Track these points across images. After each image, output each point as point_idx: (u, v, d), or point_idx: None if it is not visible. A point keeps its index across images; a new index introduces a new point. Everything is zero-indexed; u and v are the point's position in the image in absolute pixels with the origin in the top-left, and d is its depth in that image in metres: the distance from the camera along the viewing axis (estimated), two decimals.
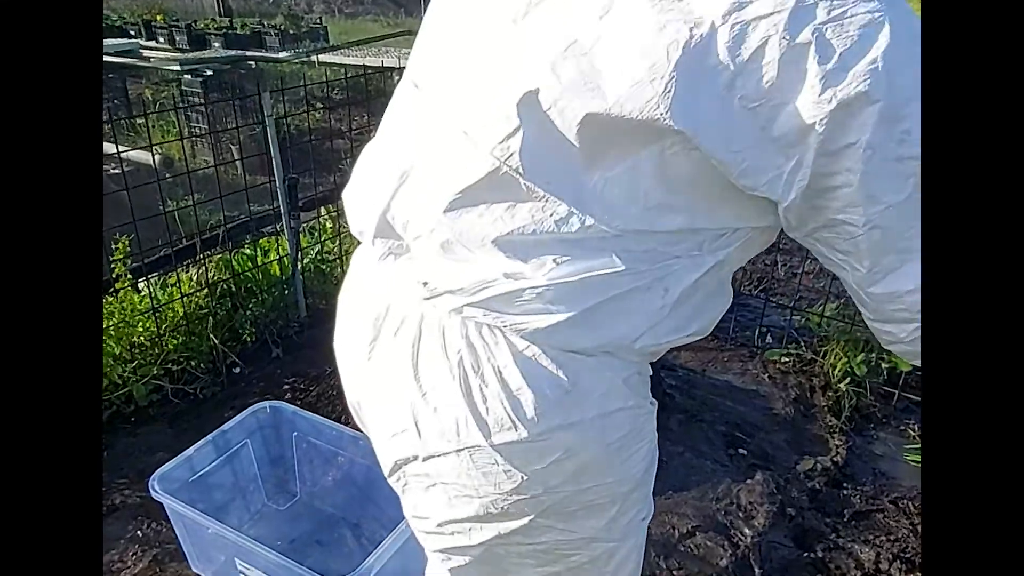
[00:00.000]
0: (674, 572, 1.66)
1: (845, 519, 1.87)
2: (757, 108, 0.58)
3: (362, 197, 0.79)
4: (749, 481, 1.94)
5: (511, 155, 0.64)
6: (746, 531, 1.79)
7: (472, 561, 0.83)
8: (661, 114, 0.59)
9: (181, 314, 2.28)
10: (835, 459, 2.06)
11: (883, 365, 2.34)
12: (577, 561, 0.80)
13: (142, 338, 2.18)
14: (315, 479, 1.80)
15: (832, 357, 2.38)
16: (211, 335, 2.30)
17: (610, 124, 0.61)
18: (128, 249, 2.21)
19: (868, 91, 0.56)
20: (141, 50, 6.87)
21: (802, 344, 2.50)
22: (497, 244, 0.67)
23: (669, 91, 0.59)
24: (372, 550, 1.36)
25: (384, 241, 0.76)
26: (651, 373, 0.80)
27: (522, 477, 0.71)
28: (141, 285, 2.30)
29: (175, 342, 2.25)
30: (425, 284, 0.71)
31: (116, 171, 2.72)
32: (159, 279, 2.38)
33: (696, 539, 1.76)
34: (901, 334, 0.68)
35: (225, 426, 1.68)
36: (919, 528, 1.85)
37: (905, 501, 1.94)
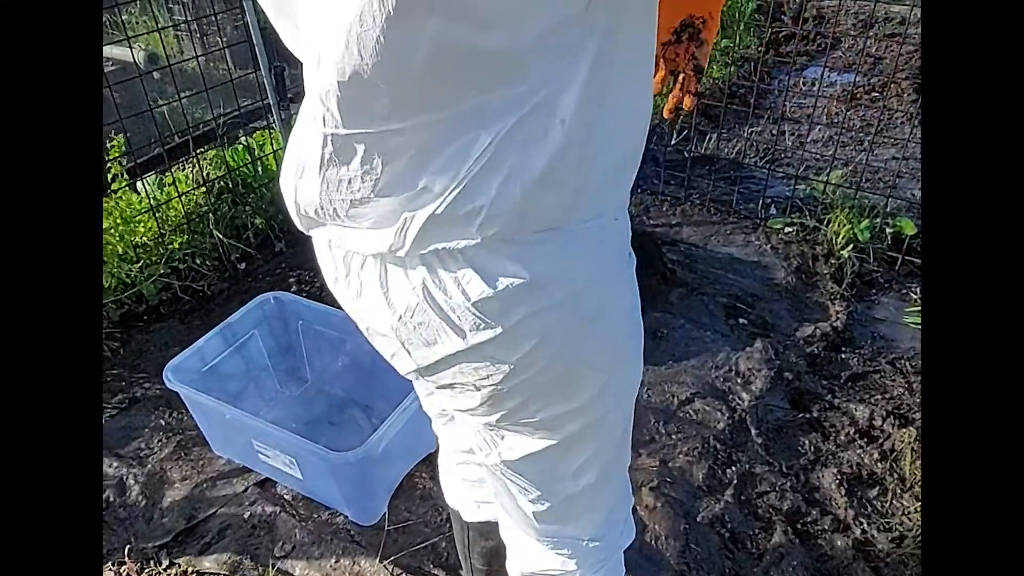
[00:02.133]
0: (672, 436, 1.73)
1: (842, 381, 1.91)
2: None
3: (284, 184, 0.78)
4: (748, 349, 1.98)
5: (330, 115, 0.62)
6: (743, 396, 1.85)
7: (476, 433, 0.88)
8: None
9: (182, 213, 2.29)
10: (835, 324, 2.09)
11: (888, 230, 2.33)
12: (572, 430, 0.83)
13: (144, 238, 2.20)
14: (324, 365, 1.86)
15: (836, 224, 2.36)
16: (213, 232, 2.31)
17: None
18: (123, 148, 2.19)
19: None
20: None
21: (806, 213, 2.48)
22: (381, 194, 0.65)
23: None
24: None
25: (307, 222, 0.75)
26: (626, 227, 0.77)
27: (510, 367, 0.73)
28: (138, 185, 2.30)
29: (179, 240, 2.27)
30: (357, 253, 0.72)
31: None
32: (155, 178, 2.37)
33: (695, 405, 1.82)
34: None
35: (231, 318, 1.73)
36: (915, 387, 1.89)
37: (903, 361, 1.98)
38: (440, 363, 0.75)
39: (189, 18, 3.14)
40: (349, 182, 0.66)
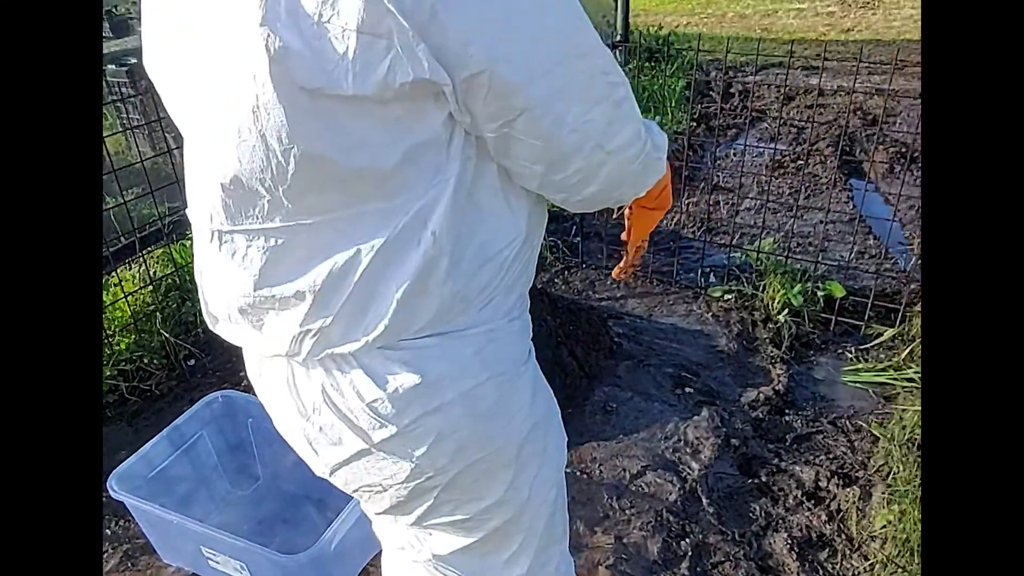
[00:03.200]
0: (626, 511, 1.75)
1: (787, 444, 1.97)
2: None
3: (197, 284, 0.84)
4: (696, 418, 2.03)
5: (216, 212, 0.70)
6: (693, 465, 1.89)
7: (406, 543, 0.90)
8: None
9: (128, 313, 2.28)
10: (777, 388, 2.16)
11: (819, 294, 2.44)
12: (494, 526, 0.85)
13: None
14: (276, 461, 1.84)
15: (771, 290, 2.47)
16: (161, 331, 2.30)
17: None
18: None
19: None
20: None
21: (743, 280, 2.58)
22: (260, 288, 0.71)
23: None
24: None
25: (211, 319, 0.81)
26: (523, 328, 0.81)
27: (411, 466, 0.76)
28: None
29: (126, 341, 2.25)
30: (261, 352, 0.77)
31: None
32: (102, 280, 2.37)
33: (646, 478, 1.84)
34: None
35: (178, 420, 1.71)
36: (856, 444, 1.96)
37: (843, 420, 2.05)
38: (345, 463, 0.78)
39: (139, 119, 3.19)
40: (233, 277, 0.72)
